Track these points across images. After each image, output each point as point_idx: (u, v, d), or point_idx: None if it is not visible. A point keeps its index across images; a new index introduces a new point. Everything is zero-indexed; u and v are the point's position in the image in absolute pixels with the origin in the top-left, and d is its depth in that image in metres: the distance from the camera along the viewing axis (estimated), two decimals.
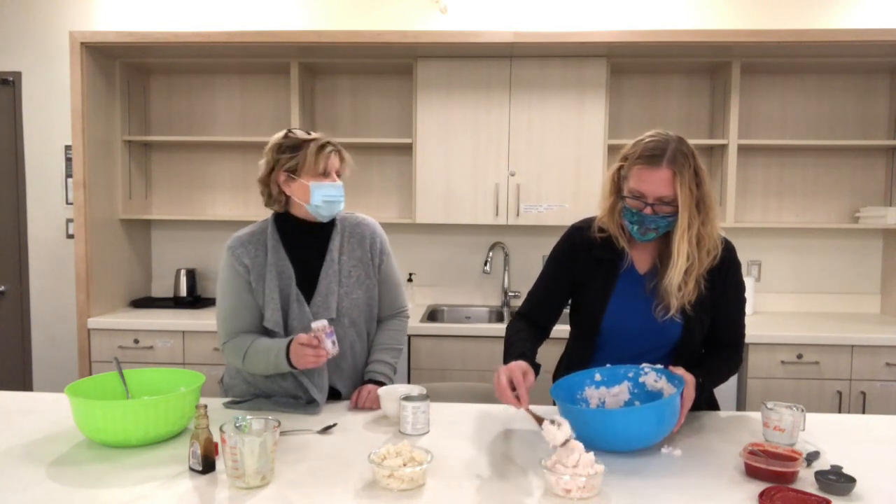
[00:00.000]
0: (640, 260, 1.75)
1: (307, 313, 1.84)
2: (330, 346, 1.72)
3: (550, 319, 1.86)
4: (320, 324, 1.71)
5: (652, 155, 1.58)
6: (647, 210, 1.60)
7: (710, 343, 1.80)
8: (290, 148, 1.82)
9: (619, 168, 1.67)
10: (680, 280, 1.63)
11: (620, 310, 1.73)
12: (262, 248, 1.86)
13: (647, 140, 1.62)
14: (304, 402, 1.83)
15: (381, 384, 1.89)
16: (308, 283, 1.87)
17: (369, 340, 1.99)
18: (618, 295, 1.74)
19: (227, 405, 1.84)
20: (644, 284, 1.72)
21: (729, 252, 1.73)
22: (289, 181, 1.82)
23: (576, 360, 1.83)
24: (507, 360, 1.63)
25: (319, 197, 1.81)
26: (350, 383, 1.94)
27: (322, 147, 1.82)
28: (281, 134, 1.86)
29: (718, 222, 1.67)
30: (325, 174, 1.82)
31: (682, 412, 1.53)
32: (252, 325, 1.85)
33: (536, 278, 1.88)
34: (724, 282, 1.72)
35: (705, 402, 1.84)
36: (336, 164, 1.85)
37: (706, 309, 1.72)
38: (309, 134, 1.86)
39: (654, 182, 1.58)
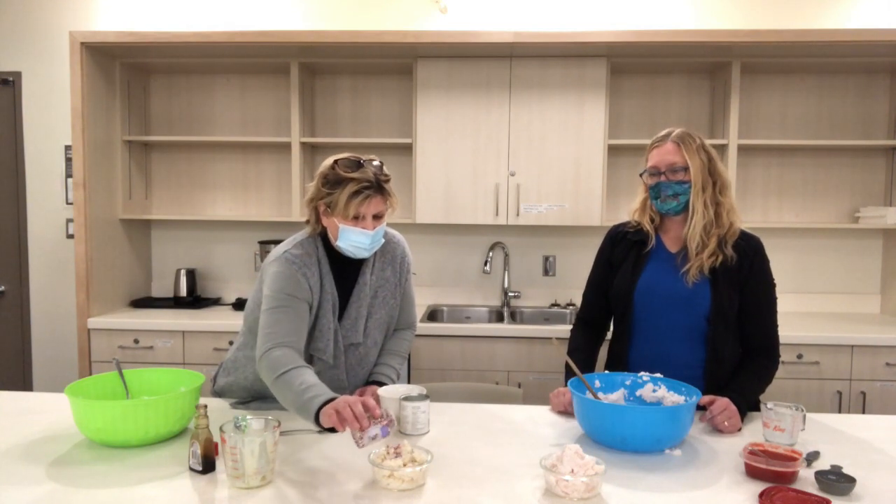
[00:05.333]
0: (670, 242, 1.92)
1: (340, 341, 1.82)
2: (366, 439, 1.38)
3: (606, 315, 2.05)
4: (390, 417, 1.44)
5: (660, 137, 1.88)
6: (662, 178, 1.84)
7: (744, 347, 1.89)
8: (331, 183, 1.69)
9: (644, 170, 1.91)
10: (699, 239, 1.81)
11: (650, 281, 1.88)
12: (317, 272, 1.77)
13: (657, 134, 1.91)
14: None
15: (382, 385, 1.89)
16: (341, 304, 1.83)
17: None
18: (648, 270, 1.90)
19: (234, 405, 1.84)
20: (674, 261, 1.87)
21: (758, 243, 1.89)
22: (326, 213, 1.74)
23: (615, 338, 1.97)
24: (566, 378, 1.86)
25: (346, 241, 1.73)
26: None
27: (356, 193, 1.66)
28: (330, 162, 1.72)
29: (734, 199, 1.91)
30: (356, 218, 1.70)
31: (718, 415, 1.65)
32: (301, 341, 1.71)
33: (586, 281, 2.08)
34: (750, 266, 1.83)
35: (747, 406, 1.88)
36: (374, 208, 1.70)
37: (734, 285, 1.82)
38: (355, 168, 1.69)
39: (664, 154, 1.85)
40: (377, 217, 1.73)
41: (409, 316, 2.04)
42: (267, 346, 1.64)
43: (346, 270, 1.83)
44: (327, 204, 1.71)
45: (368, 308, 1.86)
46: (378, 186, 1.70)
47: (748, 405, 1.76)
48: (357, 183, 1.67)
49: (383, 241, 1.81)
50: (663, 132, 1.88)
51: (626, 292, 1.89)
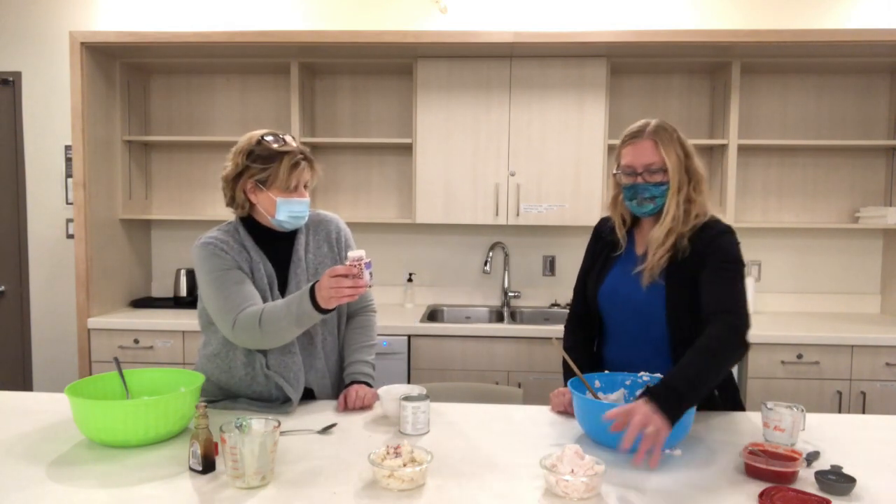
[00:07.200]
0: (641, 243, 1.83)
1: None
2: (368, 278, 1.62)
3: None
4: (358, 253, 1.62)
5: (634, 133, 1.74)
6: (639, 179, 1.72)
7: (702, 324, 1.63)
8: (263, 158, 1.74)
9: (616, 167, 1.79)
10: (661, 239, 1.70)
11: (611, 287, 1.83)
12: (242, 249, 1.81)
13: (630, 126, 1.78)
14: (280, 403, 1.82)
15: (366, 384, 1.89)
16: (278, 284, 1.85)
17: (339, 336, 1.97)
18: (612, 274, 1.84)
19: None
20: (637, 264, 1.79)
21: (719, 230, 1.70)
22: (256, 190, 1.77)
23: (594, 343, 1.92)
24: (565, 378, 1.81)
25: (286, 213, 1.77)
26: (324, 382, 1.92)
27: (296, 164, 1.75)
28: (254, 139, 1.77)
29: (709, 195, 1.77)
30: (294, 189, 1.77)
31: (630, 434, 1.31)
32: (259, 301, 1.76)
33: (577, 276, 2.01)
34: (704, 249, 1.67)
35: (731, 400, 1.84)
36: (307, 177, 1.80)
37: (687, 282, 1.67)
38: (283, 143, 1.77)
39: (640, 153, 1.71)
40: (305, 187, 1.82)
41: (364, 296, 2.00)
42: (231, 319, 1.71)
43: (277, 248, 1.86)
44: (260, 180, 1.75)
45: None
46: (307, 158, 1.79)
47: (693, 390, 1.41)
48: (293, 155, 1.76)
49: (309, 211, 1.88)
50: (637, 126, 1.74)
51: (592, 296, 1.86)
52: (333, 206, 3.62)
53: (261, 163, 1.74)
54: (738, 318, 1.56)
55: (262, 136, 1.77)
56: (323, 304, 1.64)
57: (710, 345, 1.49)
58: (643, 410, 1.34)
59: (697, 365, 1.45)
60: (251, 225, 1.85)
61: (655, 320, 1.73)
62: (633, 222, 1.85)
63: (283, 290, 1.84)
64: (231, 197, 1.82)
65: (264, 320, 1.68)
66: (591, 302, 1.88)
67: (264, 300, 1.79)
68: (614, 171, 1.80)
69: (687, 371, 1.44)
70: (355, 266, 1.61)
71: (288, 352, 1.81)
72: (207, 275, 1.76)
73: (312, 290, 1.65)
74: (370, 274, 1.64)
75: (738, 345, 1.54)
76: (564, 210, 3.26)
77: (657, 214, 1.75)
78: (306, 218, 1.84)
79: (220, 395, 1.88)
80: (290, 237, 1.88)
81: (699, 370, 1.44)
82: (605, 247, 1.89)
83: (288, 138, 1.80)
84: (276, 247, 1.86)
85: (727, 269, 1.64)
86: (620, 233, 1.83)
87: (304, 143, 3.39)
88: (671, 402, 1.37)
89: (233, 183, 1.79)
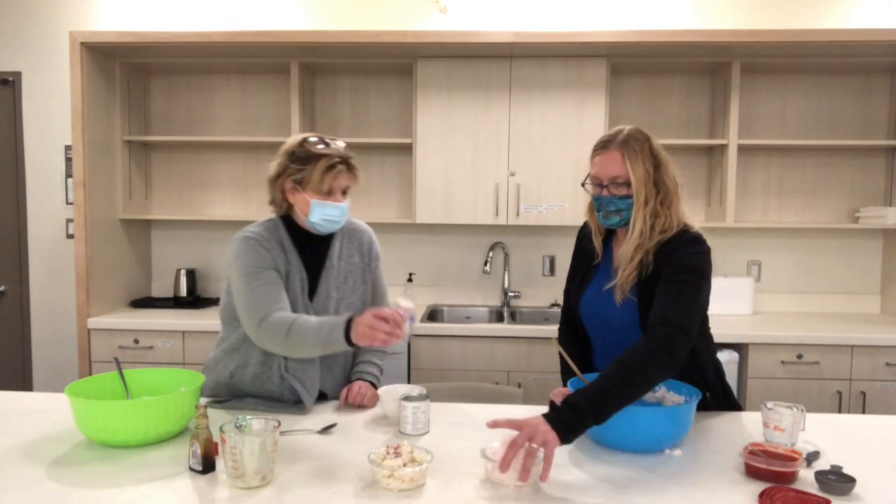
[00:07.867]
0: (617, 256, 1.79)
1: None
2: (408, 331, 1.57)
3: None
4: (409, 304, 1.59)
5: (604, 142, 1.71)
6: (605, 192, 1.70)
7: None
8: (301, 159, 1.75)
9: (587, 175, 1.77)
10: (630, 255, 1.68)
11: (589, 300, 1.82)
12: (281, 248, 1.81)
13: (603, 135, 1.75)
14: (291, 403, 1.82)
15: (371, 384, 1.90)
16: (308, 286, 1.85)
17: None
18: (591, 287, 1.82)
19: (210, 405, 1.82)
20: (612, 278, 1.76)
21: (684, 240, 1.65)
22: (293, 190, 1.79)
23: (581, 355, 1.89)
24: (564, 378, 1.84)
25: (319, 215, 1.77)
26: (339, 386, 1.93)
27: (331, 167, 1.74)
28: (297, 140, 1.80)
29: (682, 206, 1.72)
30: (329, 193, 1.77)
31: (510, 452, 1.28)
32: (287, 307, 1.74)
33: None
34: (665, 259, 1.63)
35: (724, 402, 1.81)
36: (343, 182, 1.79)
37: (653, 298, 1.62)
38: (327, 145, 1.77)
39: (606, 164, 1.68)
40: (344, 193, 1.82)
41: (382, 304, 2.02)
42: (259, 317, 1.70)
43: (312, 251, 1.87)
44: (297, 180, 1.77)
45: (340, 291, 1.87)
46: (347, 162, 1.79)
47: (598, 406, 1.36)
48: (329, 158, 1.75)
49: (347, 217, 1.88)
50: (608, 135, 1.72)
51: (574, 308, 1.86)
52: None
53: (298, 163, 1.76)
54: (673, 329, 1.49)
55: (307, 138, 1.79)
56: (356, 340, 1.58)
57: (629, 359, 1.43)
58: (531, 423, 1.32)
59: (610, 380, 1.39)
60: (289, 224, 1.86)
61: (633, 336, 1.70)
62: (610, 230, 1.83)
63: (311, 294, 1.85)
64: (272, 196, 1.84)
65: (293, 332, 1.65)
66: (574, 313, 1.88)
67: (294, 304, 1.78)
68: (583, 182, 1.76)
69: (597, 386, 1.38)
70: (400, 314, 1.56)
71: (309, 357, 1.82)
72: (243, 269, 1.75)
73: (349, 323, 1.60)
74: (410, 327, 1.57)
75: (664, 358, 1.45)
76: (564, 210, 3.26)
77: (628, 224, 1.70)
78: (341, 223, 1.83)
79: (225, 395, 1.88)
80: (325, 241, 1.89)
81: (610, 385, 1.38)
82: (585, 255, 1.88)
83: (335, 142, 1.80)
84: (312, 249, 1.87)
85: (677, 279, 1.58)
86: (597, 241, 1.83)
87: None
88: (567, 417, 1.33)
89: (274, 181, 1.81)
